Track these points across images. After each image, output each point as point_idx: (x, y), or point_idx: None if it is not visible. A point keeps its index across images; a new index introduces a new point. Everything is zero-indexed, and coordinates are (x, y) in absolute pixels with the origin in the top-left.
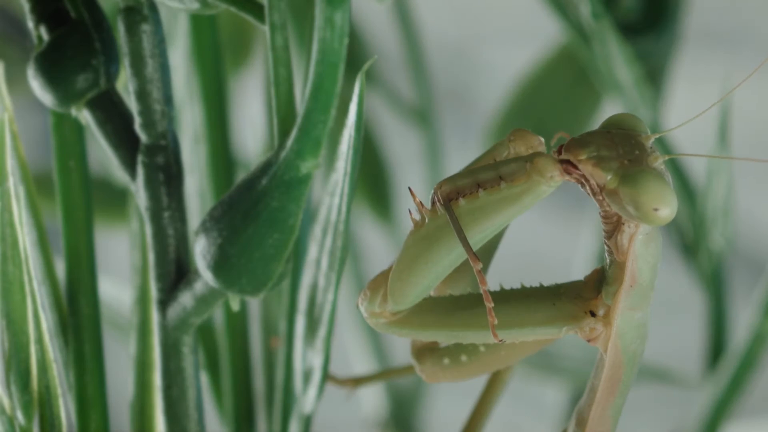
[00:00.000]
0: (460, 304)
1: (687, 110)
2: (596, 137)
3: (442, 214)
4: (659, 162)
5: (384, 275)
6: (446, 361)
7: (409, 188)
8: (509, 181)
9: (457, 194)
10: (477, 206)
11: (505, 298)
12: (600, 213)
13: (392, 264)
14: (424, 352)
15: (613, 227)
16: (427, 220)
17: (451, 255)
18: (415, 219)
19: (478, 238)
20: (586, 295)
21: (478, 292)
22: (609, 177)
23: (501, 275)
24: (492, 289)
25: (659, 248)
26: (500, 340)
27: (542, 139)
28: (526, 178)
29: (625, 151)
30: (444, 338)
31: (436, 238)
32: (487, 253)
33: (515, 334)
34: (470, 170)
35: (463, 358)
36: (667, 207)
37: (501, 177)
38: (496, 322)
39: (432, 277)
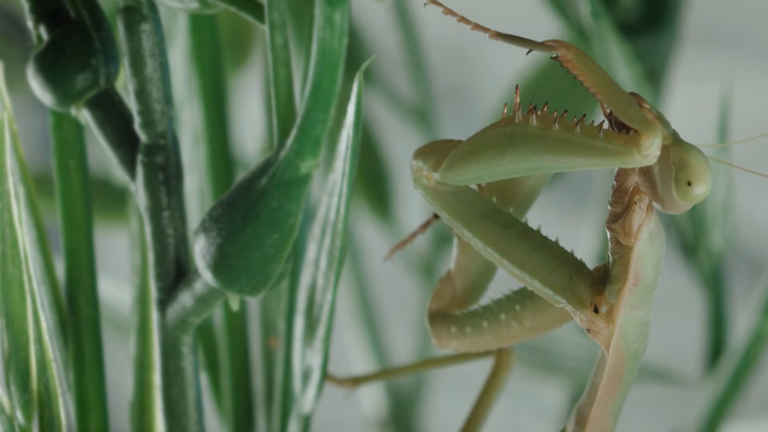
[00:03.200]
0: (495, 217)
1: (686, 110)
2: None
3: (533, 125)
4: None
5: (448, 144)
6: (453, 329)
7: (516, 85)
8: (604, 134)
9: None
10: (559, 137)
11: (536, 239)
12: (612, 189)
13: (460, 140)
14: (437, 316)
15: (623, 208)
16: (516, 122)
17: (518, 165)
18: (506, 115)
19: (537, 165)
20: (596, 289)
21: (518, 219)
22: (666, 132)
23: (500, 274)
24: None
25: (663, 247)
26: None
27: None
28: (624, 141)
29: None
30: (461, 233)
31: (516, 143)
32: (528, 197)
33: (521, 275)
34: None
35: (468, 329)
36: (700, 186)
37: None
38: None
39: (489, 173)
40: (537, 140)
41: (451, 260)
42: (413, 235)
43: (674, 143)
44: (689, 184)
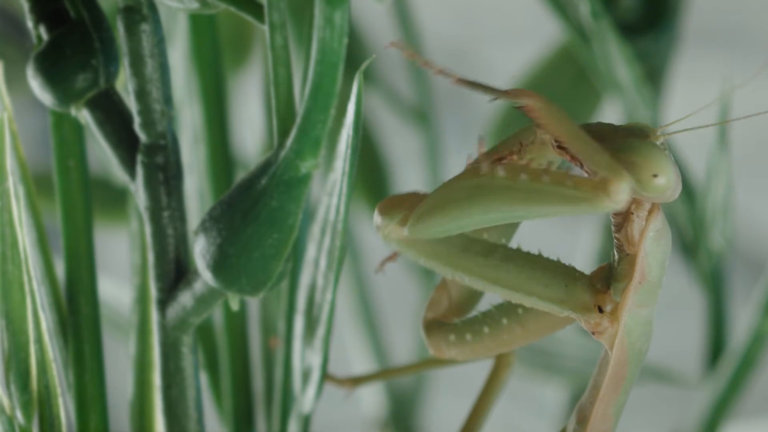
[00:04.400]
0: (474, 249)
1: (686, 110)
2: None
3: (500, 175)
4: (660, 140)
5: (412, 198)
6: (452, 337)
7: (480, 137)
8: (573, 181)
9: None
10: (528, 187)
11: (521, 258)
12: None
13: (425, 193)
14: (433, 325)
15: (622, 218)
16: (482, 174)
17: (487, 216)
18: (470, 167)
19: (507, 215)
20: (594, 289)
21: (498, 243)
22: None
23: None
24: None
25: (669, 245)
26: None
27: None
28: (593, 188)
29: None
30: (445, 273)
31: (486, 194)
32: (506, 236)
33: (518, 297)
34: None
35: (468, 337)
36: (664, 175)
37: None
38: None
39: (459, 225)
40: (505, 191)
41: None
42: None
43: (620, 150)
44: (654, 176)
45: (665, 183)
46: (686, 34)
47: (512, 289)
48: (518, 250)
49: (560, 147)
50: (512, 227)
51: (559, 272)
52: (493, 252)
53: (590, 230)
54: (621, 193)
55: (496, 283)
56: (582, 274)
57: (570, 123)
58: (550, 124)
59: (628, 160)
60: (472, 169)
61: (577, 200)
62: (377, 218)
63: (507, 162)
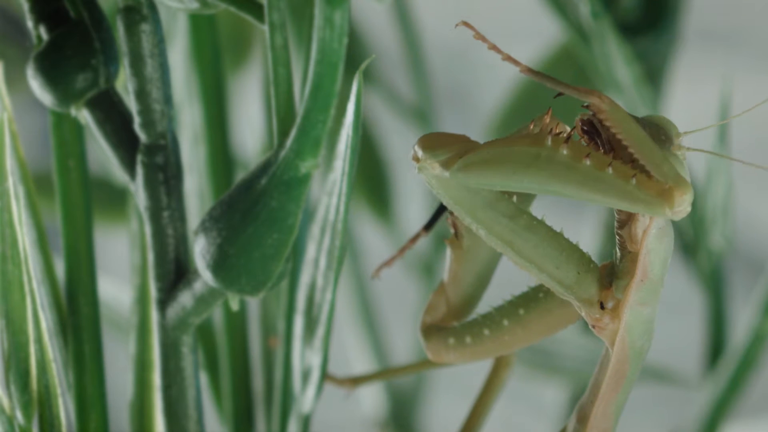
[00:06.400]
0: (501, 207)
1: (686, 110)
2: None
3: (564, 153)
4: (682, 154)
5: (462, 142)
6: (451, 341)
7: (549, 108)
8: (638, 180)
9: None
10: (590, 173)
11: (543, 232)
12: None
13: (476, 141)
14: (432, 330)
15: (626, 216)
16: (546, 145)
17: (538, 186)
18: (533, 135)
19: (557, 191)
20: (602, 284)
21: (524, 210)
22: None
23: (501, 273)
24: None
25: (671, 243)
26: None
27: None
28: (658, 193)
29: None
30: (466, 220)
31: (541, 165)
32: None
33: (528, 267)
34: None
35: (468, 340)
36: (687, 197)
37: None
38: None
39: (506, 184)
40: (565, 169)
41: (444, 272)
42: (403, 249)
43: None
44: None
45: (686, 205)
46: (686, 34)
47: (525, 259)
48: (542, 223)
49: (610, 147)
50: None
51: (575, 258)
52: (518, 217)
53: (590, 230)
54: (684, 205)
55: (510, 247)
56: (596, 266)
57: (636, 126)
58: (617, 125)
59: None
60: (536, 138)
61: (636, 200)
62: (418, 150)
63: (572, 142)
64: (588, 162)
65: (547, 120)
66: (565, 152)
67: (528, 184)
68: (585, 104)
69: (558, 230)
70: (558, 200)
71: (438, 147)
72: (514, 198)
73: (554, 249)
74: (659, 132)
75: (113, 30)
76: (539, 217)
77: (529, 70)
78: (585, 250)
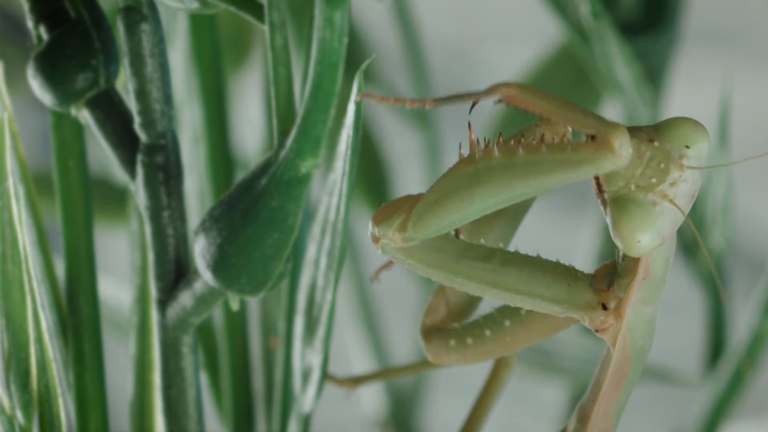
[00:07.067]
0: (472, 254)
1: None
2: (641, 142)
3: (496, 156)
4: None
5: (408, 200)
6: (452, 342)
7: (468, 122)
8: (572, 146)
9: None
10: (527, 161)
11: (520, 261)
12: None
13: (420, 193)
14: (432, 332)
15: None
16: (478, 158)
17: (490, 199)
18: (464, 155)
19: (510, 195)
20: (597, 287)
21: (495, 246)
22: (612, 189)
23: None
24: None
25: (674, 242)
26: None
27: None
28: (593, 147)
29: (644, 173)
30: (444, 280)
31: (482, 179)
32: (513, 221)
33: (519, 300)
34: (544, 101)
35: (469, 341)
36: (643, 236)
37: (568, 134)
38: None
39: (462, 215)
40: (504, 170)
41: None
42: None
43: (611, 203)
44: (637, 241)
45: (641, 246)
46: (686, 34)
47: (513, 292)
48: (516, 253)
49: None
50: (510, 230)
51: (560, 272)
52: (491, 256)
53: (590, 230)
54: (623, 147)
55: (496, 286)
56: (582, 273)
57: (549, 96)
58: (532, 103)
59: (611, 216)
60: (466, 158)
61: (579, 163)
62: (374, 229)
63: (499, 143)
64: (521, 152)
65: (471, 136)
66: (497, 155)
67: (480, 204)
68: (498, 100)
69: (533, 254)
70: (558, 202)
71: (388, 216)
72: (484, 239)
73: (537, 271)
74: (657, 168)
75: (113, 30)
76: (514, 246)
77: (436, 101)
78: (564, 263)
